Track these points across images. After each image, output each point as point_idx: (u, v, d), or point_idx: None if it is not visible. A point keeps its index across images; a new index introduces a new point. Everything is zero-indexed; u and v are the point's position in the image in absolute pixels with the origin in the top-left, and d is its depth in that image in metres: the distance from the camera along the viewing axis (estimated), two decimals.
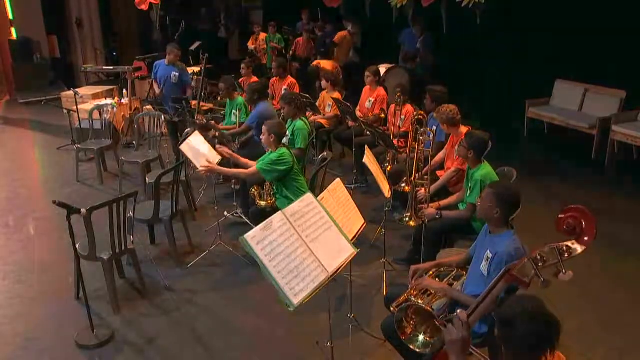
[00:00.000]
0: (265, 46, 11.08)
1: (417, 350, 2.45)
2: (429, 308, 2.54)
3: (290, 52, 10.32)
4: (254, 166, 4.44)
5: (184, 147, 4.72)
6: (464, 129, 4.46)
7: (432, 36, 8.55)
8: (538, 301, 1.86)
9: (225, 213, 5.30)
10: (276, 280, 2.46)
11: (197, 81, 8.31)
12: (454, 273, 3.07)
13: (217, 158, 4.71)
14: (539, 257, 2.08)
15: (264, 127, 4.41)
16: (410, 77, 8.05)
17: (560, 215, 2.17)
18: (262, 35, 11.21)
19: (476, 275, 2.89)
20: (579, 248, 2.09)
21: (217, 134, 5.77)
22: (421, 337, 2.47)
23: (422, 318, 2.51)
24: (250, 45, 11.23)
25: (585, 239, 2.09)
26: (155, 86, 7.09)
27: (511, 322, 1.82)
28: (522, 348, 1.81)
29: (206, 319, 3.94)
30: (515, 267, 2.11)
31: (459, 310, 2.09)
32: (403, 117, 5.72)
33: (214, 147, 4.87)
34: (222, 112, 6.81)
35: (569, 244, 2.10)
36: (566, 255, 2.07)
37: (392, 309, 2.83)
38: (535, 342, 1.79)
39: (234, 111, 6.09)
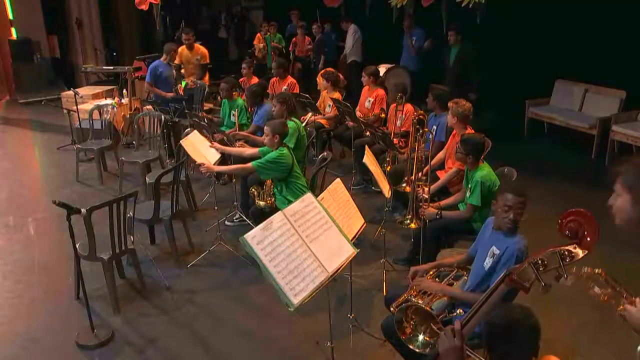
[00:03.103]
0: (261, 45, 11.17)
1: (417, 350, 2.45)
2: (428, 308, 2.54)
3: (291, 55, 10.35)
4: (250, 162, 4.47)
5: (184, 142, 4.75)
6: (469, 130, 4.46)
7: (423, 34, 8.54)
8: (525, 310, 1.87)
9: (227, 222, 5.31)
10: (276, 280, 2.46)
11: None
12: (453, 273, 3.08)
13: (217, 156, 4.74)
14: (539, 262, 2.05)
15: (266, 128, 4.40)
16: (410, 77, 8.05)
17: (561, 220, 2.15)
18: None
19: (479, 273, 2.89)
20: (580, 252, 2.07)
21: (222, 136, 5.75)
22: (421, 337, 2.46)
23: (421, 318, 2.51)
24: (256, 43, 11.27)
25: (588, 242, 2.07)
26: (158, 90, 7.10)
27: (496, 330, 1.82)
28: (505, 356, 1.82)
29: (206, 319, 3.94)
30: (515, 270, 2.10)
31: (458, 310, 2.09)
32: (403, 116, 5.72)
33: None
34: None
35: (571, 248, 2.07)
36: (568, 260, 2.05)
37: (392, 309, 2.83)
38: (518, 350, 1.79)
39: (232, 112, 6.09)
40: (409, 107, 5.75)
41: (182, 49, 7.74)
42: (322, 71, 7.07)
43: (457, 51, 7.35)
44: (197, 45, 8.04)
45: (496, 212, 2.91)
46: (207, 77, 8.05)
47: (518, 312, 1.86)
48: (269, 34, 10.75)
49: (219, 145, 4.85)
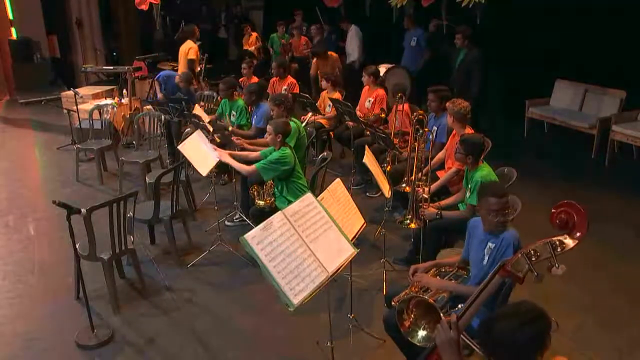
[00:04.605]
0: (257, 44, 11.23)
1: (418, 344, 2.45)
2: (431, 300, 2.54)
3: (288, 55, 10.39)
4: (253, 164, 4.47)
5: (183, 148, 4.72)
6: (468, 130, 4.46)
7: (424, 34, 8.53)
8: (529, 305, 1.84)
9: (227, 222, 5.31)
10: (276, 280, 2.46)
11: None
12: (453, 272, 3.08)
13: (215, 159, 4.70)
14: (532, 252, 2.10)
15: (268, 127, 4.41)
16: (410, 77, 8.05)
17: (552, 210, 2.19)
18: (254, 35, 11.40)
19: (480, 271, 2.90)
20: (571, 242, 2.12)
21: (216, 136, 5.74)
22: (421, 331, 2.47)
23: (422, 312, 2.51)
24: (248, 47, 11.34)
25: (578, 233, 2.11)
26: (159, 89, 7.25)
27: (492, 325, 1.80)
28: (503, 351, 1.79)
29: (206, 318, 3.94)
30: (509, 262, 2.13)
31: (459, 305, 2.09)
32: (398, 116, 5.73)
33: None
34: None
35: (562, 238, 2.12)
36: (559, 250, 2.09)
37: (393, 303, 2.83)
38: (518, 343, 1.76)
39: (233, 112, 6.09)
40: (405, 106, 5.74)
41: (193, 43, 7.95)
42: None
43: (464, 54, 7.29)
44: None
45: (484, 217, 2.92)
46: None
47: (523, 308, 1.82)
48: (277, 33, 10.81)
49: (222, 151, 4.73)
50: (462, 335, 1.99)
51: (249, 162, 4.77)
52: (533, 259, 2.07)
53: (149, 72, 9.85)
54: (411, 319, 2.48)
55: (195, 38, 8.03)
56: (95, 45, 11.92)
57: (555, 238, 2.11)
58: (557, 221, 2.15)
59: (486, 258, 2.86)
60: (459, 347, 1.90)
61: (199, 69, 8.48)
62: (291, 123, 5.04)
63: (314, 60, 8.83)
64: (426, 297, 2.56)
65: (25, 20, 11.46)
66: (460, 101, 4.53)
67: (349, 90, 7.80)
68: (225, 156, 4.58)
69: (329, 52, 8.74)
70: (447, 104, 4.62)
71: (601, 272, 4.33)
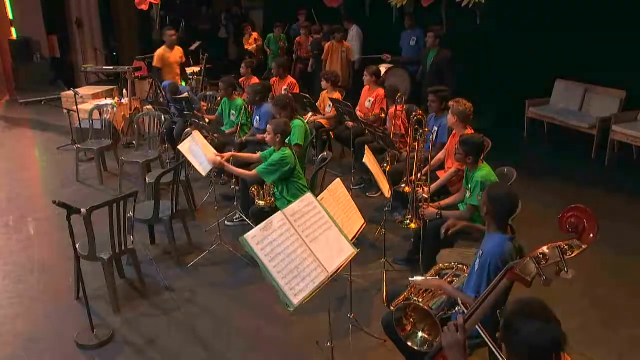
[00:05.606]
0: (255, 45, 11.24)
1: (415, 347, 2.45)
2: (426, 307, 2.54)
3: (294, 55, 10.39)
4: (254, 166, 4.46)
5: (182, 148, 4.72)
6: (469, 130, 4.45)
7: (423, 33, 8.50)
8: (541, 303, 1.85)
9: (227, 222, 5.31)
10: (276, 280, 2.46)
11: (197, 81, 8.35)
12: (453, 271, 3.08)
13: (211, 165, 4.66)
14: (541, 256, 2.09)
15: (268, 127, 4.40)
16: (410, 78, 8.04)
17: (562, 215, 2.19)
18: (254, 35, 11.41)
19: (470, 273, 2.90)
20: (581, 247, 2.11)
21: (215, 136, 5.72)
22: (420, 335, 2.47)
23: (420, 316, 2.51)
24: (248, 47, 11.36)
25: (587, 237, 2.11)
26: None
27: (514, 324, 1.80)
28: (523, 350, 1.79)
29: (206, 319, 3.94)
30: (517, 265, 2.12)
31: (458, 307, 2.09)
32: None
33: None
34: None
35: (571, 242, 2.11)
36: (568, 254, 2.08)
37: (391, 307, 2.83)
38: (539, 344, 1.76)
39: (232, 111, 6.09)
40: (398, 108, 5.73)
41: (164, 50, 7.59)
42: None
43: (434, 55, 7.18)
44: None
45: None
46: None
47: (534, 305, 1.82)
48: (273, 33, 10.82)
49: (220, 159, 4.60)
50: (480, 329, 1.99)
51: (251, 164, 4.76)
52: (542, 263, 2.07)
53: (149, 72, 9.85)
54: (411, 324, 2.48)
55: (169, 44, 7.59)
56: (95, 45, 11.93)
57: (565, 242, 2.11)
58: (567, 225, 2.14)
59: (476, 261, 2.86)
60: (465, 349, 1.90)
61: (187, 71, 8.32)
62: (298, 121, 5.05)
63: (327, 44, 8.80)
64: (421, 304, 2.56)
65: (25, 20, 11.48)
66: (464, 101, 4.52)
67: (353, 87, 7.77)
68: (224, 163, 4.54)
69: (344, 42, 8.74)
70: (451, 103, 4.60)
71: (601, 272, 4.33)
